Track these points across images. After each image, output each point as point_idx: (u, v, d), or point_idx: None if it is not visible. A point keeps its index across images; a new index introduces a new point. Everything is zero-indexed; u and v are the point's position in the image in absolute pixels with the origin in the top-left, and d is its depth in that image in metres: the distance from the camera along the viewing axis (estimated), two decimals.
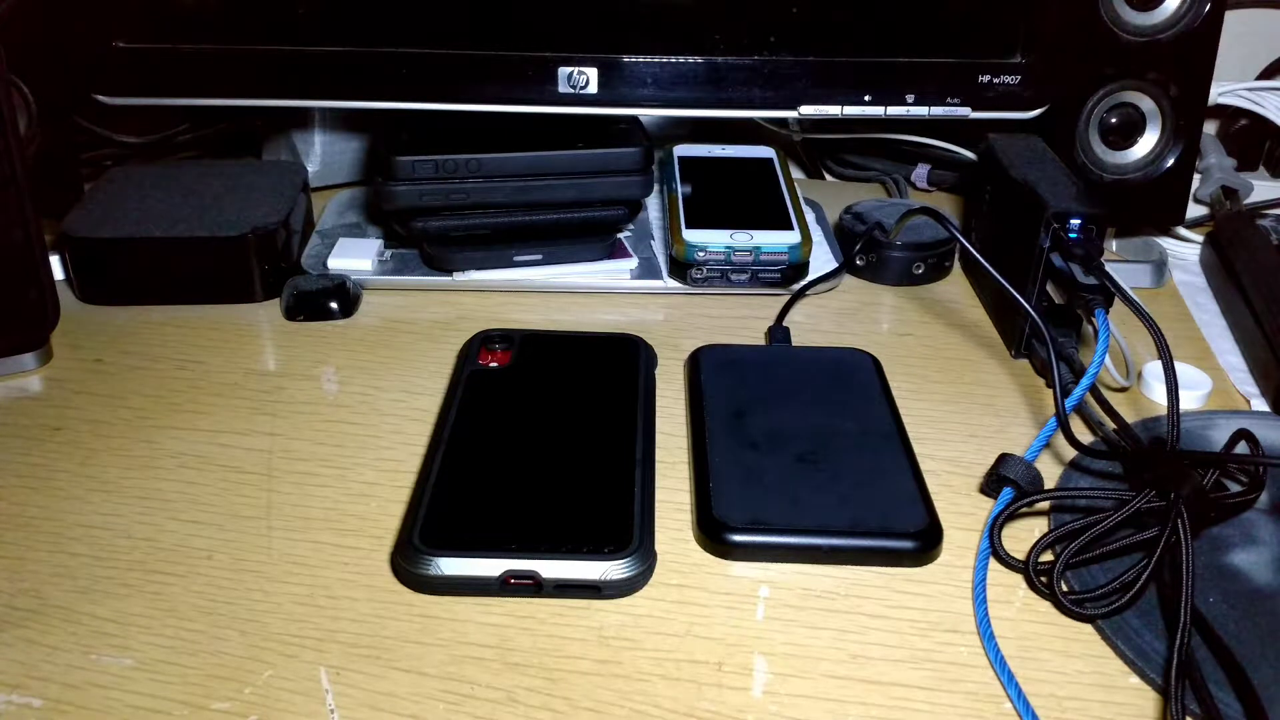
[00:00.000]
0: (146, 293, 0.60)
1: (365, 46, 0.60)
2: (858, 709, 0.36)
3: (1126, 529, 0.42)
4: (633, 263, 0.64)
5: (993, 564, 0.43)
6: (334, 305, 0.59)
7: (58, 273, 0.60)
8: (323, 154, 0.76)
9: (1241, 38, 0.82)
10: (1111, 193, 0.65)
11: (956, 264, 0.67)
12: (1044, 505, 0.45)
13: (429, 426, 0.50)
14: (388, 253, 0.65)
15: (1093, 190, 0.56)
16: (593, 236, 0.63)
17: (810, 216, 0.70)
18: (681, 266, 0.61)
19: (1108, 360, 0.50)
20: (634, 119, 0.65)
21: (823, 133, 0.83)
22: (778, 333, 0.57)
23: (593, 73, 0.61)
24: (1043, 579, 0.41)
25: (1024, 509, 0.45)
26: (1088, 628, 0.40)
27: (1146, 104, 0.64)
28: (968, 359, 0.57)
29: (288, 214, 0.62)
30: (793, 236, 0.60)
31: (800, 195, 0.67)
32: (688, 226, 0.61)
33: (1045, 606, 0.41)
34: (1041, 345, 0.54)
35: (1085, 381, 0.47)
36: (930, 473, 0.47)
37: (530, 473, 0.44)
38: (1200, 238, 0.70)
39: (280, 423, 0.50)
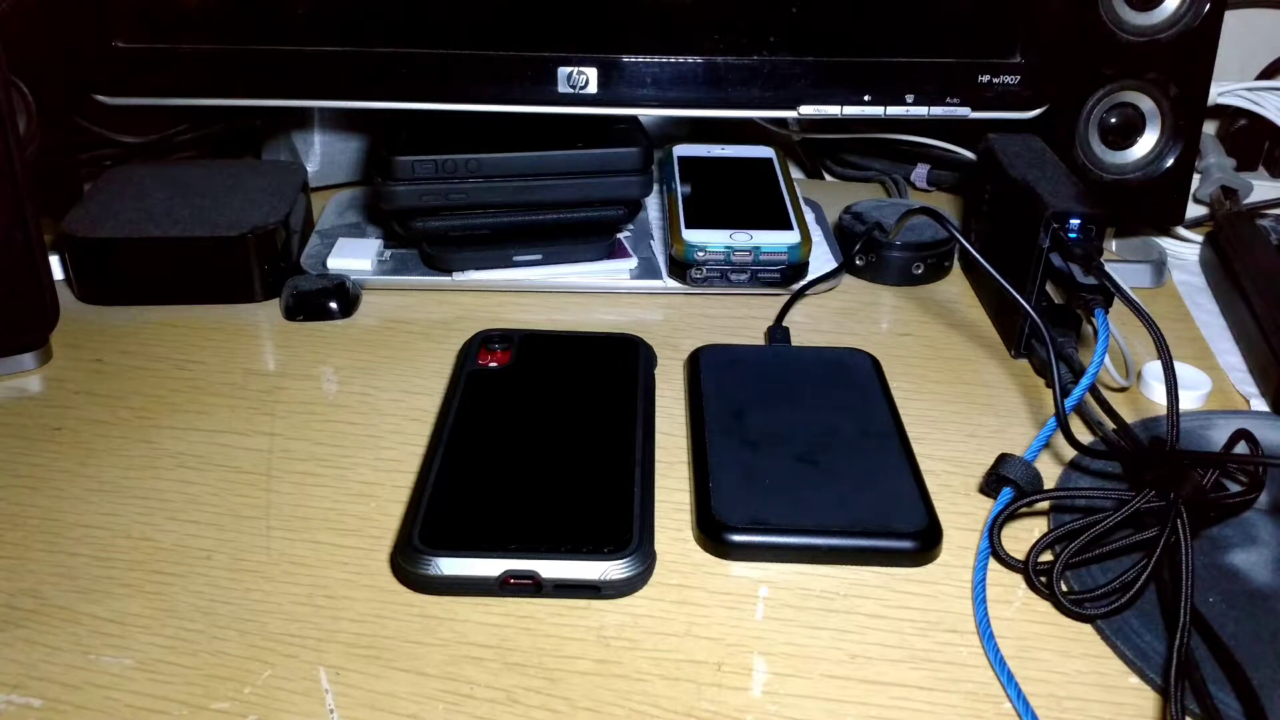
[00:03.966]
0: (146, 293, 0.60)
1: (365, 46, 0.60)
2: (857, 709, 0.36)
3: (1126, 529, 0.42)
4: (632, 263, 0.64)
5: (992, 564, 0.43)
6: (334, 305, 0.59)
7: (58, 273, 0.60)
8: (322, 154, 0.76)
9: (1241, 38, 0.82)
10: (1111, 193, 0.65)
11: (956, 264, 0.67)
12: (1044, 505, 0.45)
13: (428, 426, 0.50)
14: (387, 253, 0.65)
15: (1092, 190, 0.56)
16: (592, 236, 0.63)
17: (810, 216, 0.70)
18: (681, 266, 0.61)
19: (1107, 360, 0.50)
20: (634, 119, 0.65)
21: (822, 133, 0.83)
22: (777, 333, 0.57)
23: (592, 73, 0.61)
24: (1042, 579, 0.41)
25: (1024, 509, 0.45)
26: (1087, 628, 0.40)
27: (1146, 104, 0.64)
28: (967, 359, 0.57)
29: (287, 214, 0.62)
30: (792, 236, 0.60)
31: (800, 195, 0.67)
32: (687, 226, 0.61)
33: (1045, 606, 0.41)
34: (1041, 345, 0.54)
35: (1085, 381, 0.47)
36: (930, 473, 0.47)
37: (530, 473, 0.44)
38: (1200, 238, 0.70)
39: (279, 423, 0.50)
